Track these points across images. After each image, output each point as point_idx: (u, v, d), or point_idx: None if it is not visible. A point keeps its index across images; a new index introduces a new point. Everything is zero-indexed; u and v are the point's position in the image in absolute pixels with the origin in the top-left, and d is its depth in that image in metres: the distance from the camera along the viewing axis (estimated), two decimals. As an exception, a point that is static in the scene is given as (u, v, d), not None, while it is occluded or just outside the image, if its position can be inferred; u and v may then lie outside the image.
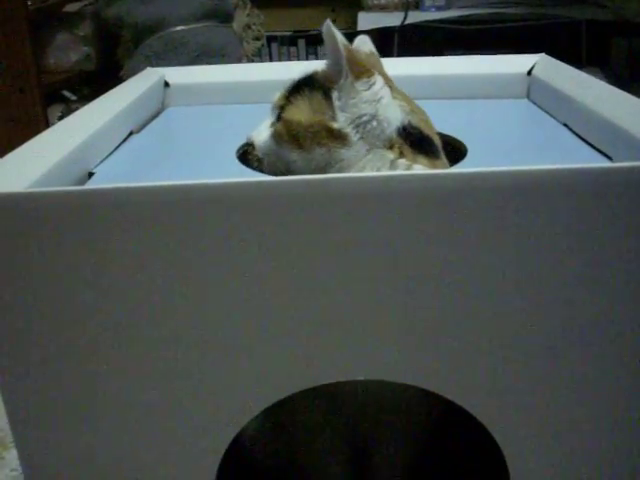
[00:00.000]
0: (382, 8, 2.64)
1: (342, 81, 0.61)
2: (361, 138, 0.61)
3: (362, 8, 2.67)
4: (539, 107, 0.83)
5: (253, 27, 2.36)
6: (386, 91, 0.62)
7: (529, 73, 0.89)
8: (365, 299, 0.50)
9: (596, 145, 0.65)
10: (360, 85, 0.61)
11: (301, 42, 2.82)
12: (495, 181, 0.47)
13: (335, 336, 0.51)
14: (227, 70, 0.96)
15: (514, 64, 0.90)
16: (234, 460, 0.59)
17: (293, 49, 2.83)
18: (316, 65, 0.65)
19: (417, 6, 2.65)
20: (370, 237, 0.48)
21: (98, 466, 0.55)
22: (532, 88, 0.88)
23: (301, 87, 0.64)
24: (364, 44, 0.71)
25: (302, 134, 0.62)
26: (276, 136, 0.64)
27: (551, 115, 0.79)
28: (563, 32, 2.44)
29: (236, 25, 2.26)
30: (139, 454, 0.55)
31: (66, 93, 2.25)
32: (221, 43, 2.08)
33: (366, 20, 2.55)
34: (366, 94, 0.62)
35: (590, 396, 0.53)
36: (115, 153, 0.70)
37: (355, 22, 2.55)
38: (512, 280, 0.49)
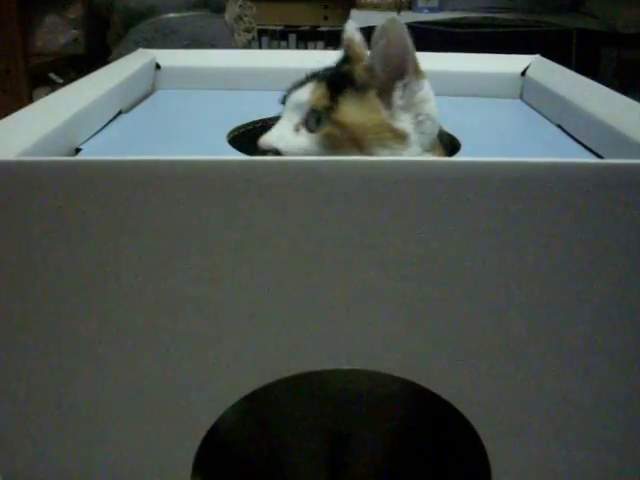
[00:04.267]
0: (375, 7, 2.64)
1: (407, 80, 0.60)
2: (417, 140, 0.61)
3: (355, 6, 2.67)
4: (532, 108, 0.83)
5: (244, 19, 2.35)
6: (432, 92, 0.62)
7: (523, 74, 0.89)
8: (351, 286, 0.49)
9: (589, 146, 0.65)
10: (417, 85, 0.61)
11: (292, 37, 2.81)
12: (486, 171, 0.46)
13: (318, 323, 0.50)
14: (219, 55, 0.95)
15: (508, 64, 0.90)
16: (213, 451, 0.58)
17: (284, 43, 2.82)
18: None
19: (410, 7, 2.65)
20: (360, 223, 0.47)
21: (72, 454, 0.54)
22: (526, 89, 0.88)
23: (337, 85, 0.61)
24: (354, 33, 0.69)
25: (364, 136, 0.59)
26: (328, 140, 0.59)
27: (544, 116, 0.79)
28: (553, 40, 2.45)
29: (227, 16, 2.25)
30: (114, 443, 0.54)
31: (53, 76, 2.23)
32: (212, 33, 2.07)
33: (358, 18, 2.54)
34: (421, 94, 0.61)
35: (579, 395, 0.52)
36: (103, 131, 0.68)
37: (347, 19, 2.54)
38: (502, 273, 0.49)
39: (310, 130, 0.60)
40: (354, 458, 0.75)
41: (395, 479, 0.77)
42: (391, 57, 0.60)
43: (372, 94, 0.61)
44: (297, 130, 0.61)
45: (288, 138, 0.61)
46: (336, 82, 0.61)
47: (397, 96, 0.60)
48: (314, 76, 0.64)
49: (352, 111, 0.60)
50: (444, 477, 0.76)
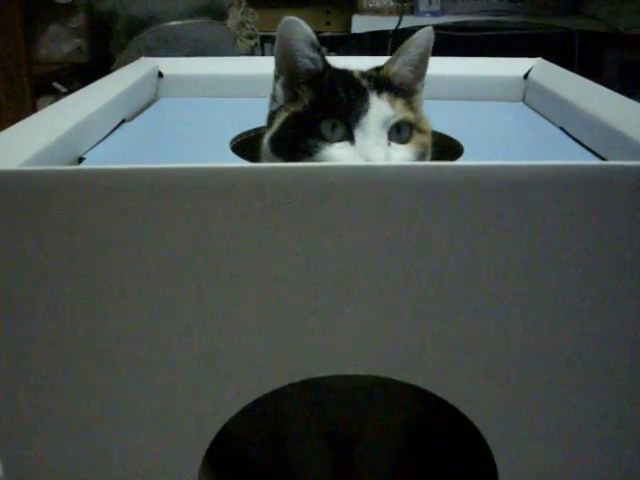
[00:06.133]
0: (377, 11, 2.65)
1: (424, 81, 0.65)
2: None
3: (357, 11, 2.67)
4: (535, 111, 0.83)
5: (247, 25, 2.36)
6: None
7: (525, 77, 0.89)
8: (357, 292, 0.49)
9: (592, 148, 0.65)
10: None
11: (295, 43, 2.81)
12: (489, 175, 0.46)
13: (324, 330, 0.50)
14: (222, 63, 0.95)
15: (511, 67, 0.90)
16: (222, 453, 0.58)
17: (286, 49, 2.82)
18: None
19: (412, 11, 2.66)
20: (364, 228, 0.47)
21: (79, 455, 0.54)
22: (528, 92, 0.88)
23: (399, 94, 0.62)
24: None
25: (430, 140, 0.63)
26: (420, 148, 0.61)
27: (547, 119, 0.78)
28: (556, 42, 2.45)
29: (230, 23, 2.26)
30: (120, 445, 0.54)
31: (56, 85, 2.24)
32: (214, 40, 2.08)
33: (360, 23, 2.54)
34: None
35: (583, 397, 0.52)
36: (106, 140, 0.68)
37: (349, 24, 2.55)
38: (506, 275, 0.48)
39: (396, 142, 0.60)
40: (360, 460, 0.75)
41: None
42: (423, 63, 0.64)
43: (415, 98, 0.64)
44: (389, 145, 0.60)
45: (393, 154, 0.59)
46: (388, 88, 0.61)
47: (422, 97, 0.65)
48: (360, 89, 0.61)
49: (424, 119, 0.64)
50: (451, 478, 0.76)
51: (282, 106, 0.63)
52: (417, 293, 0.49)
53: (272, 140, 0.61)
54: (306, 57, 0.62)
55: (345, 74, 0.64)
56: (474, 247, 0.47)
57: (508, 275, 0.48)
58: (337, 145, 0.58)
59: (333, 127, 0.59)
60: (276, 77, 0.64)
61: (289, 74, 0.63)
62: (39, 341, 0.50)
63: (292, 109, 0.62)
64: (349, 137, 0.59)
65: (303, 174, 0.46)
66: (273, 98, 0.65)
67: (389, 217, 0.47)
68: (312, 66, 0.62)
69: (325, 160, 0.58)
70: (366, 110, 0.59)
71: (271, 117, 0.64)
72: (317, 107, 0.60)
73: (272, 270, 0.48)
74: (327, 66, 0.64)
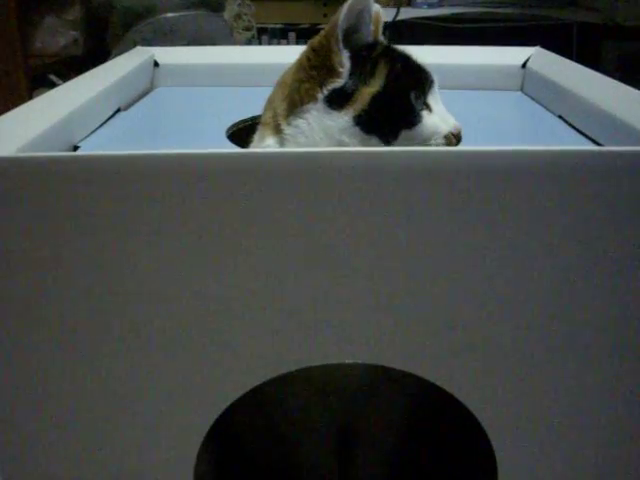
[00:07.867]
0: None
1: None
2: None
3: (354, 3, 2.65)
4: (533, 99, 0.83)
5: (244, 17, 2.35)
6: None
7: (524, 65, 0.88)
8: (355, 280, 0.49)
9: (591, 136, 0.65)
10: None
11: (292, 35, 2.80)
12: (487, 160, 0.46)
13: (322, 318, 0.50)
14: (217, 52, 0.95)
15: (509, 56, 0.90)
16: (222, 446, 0.57)
17: (283, 42, 2.82)
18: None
19: (409, 2, 2.64)
20: (361, 215, 0.47)
21: (76, 448, 0.54)
22: (527, 81, 0.88)
23: None
24: None
25: None
26: None
27: (545, 107, 0.78)
28: (554, 34, 2.44)
29: (227, 14, 2.25)
30: (115, 439, 0.54)
31: (52, 77, 2.22)
32: (211, 32, 2.07)
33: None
34: None
35: (585, 390, 0.52)
36: (101, 129, 0.68)
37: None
38: (504, 263, 0.48)
39: None
40: (362, 452, 0.75)
41: (403, 473, 0.77)
42: None
43: None
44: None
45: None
46: None
47: None
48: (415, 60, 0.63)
49: None
50: (452, 471, 0.76)
51: (350, 82, 0.59)
52: (416, 282, 0.49)
53: (361, 118, 0.58)
54: (369, 30, 0.61)
55: (389, 46, 0.63)
56: (472, 233, 0.47)
57: (507, 261, 0.48)
58: (424, 114, 0.60)
59: (416, 98, 0.60)
60: (338, 51, 0.59)
61: (354, 47, 0.60)
62: (36, 329, 0.50)
63: (376, 84, 0.59)
64: (426, 105, 0.60)
65: (299, 159, 0.46)
66: (325, 75, 0.59)
67: (387, 203, 0.46)
68: (370, 39, 0.61)
69: (423, 129, 0.59)
70: (434, 80, 0.61)
71: (334, 96, 0.59)
72: (401, 80, 0.60)
73: (269, 256, 0.48)
74: (375, 39, 0.62)
